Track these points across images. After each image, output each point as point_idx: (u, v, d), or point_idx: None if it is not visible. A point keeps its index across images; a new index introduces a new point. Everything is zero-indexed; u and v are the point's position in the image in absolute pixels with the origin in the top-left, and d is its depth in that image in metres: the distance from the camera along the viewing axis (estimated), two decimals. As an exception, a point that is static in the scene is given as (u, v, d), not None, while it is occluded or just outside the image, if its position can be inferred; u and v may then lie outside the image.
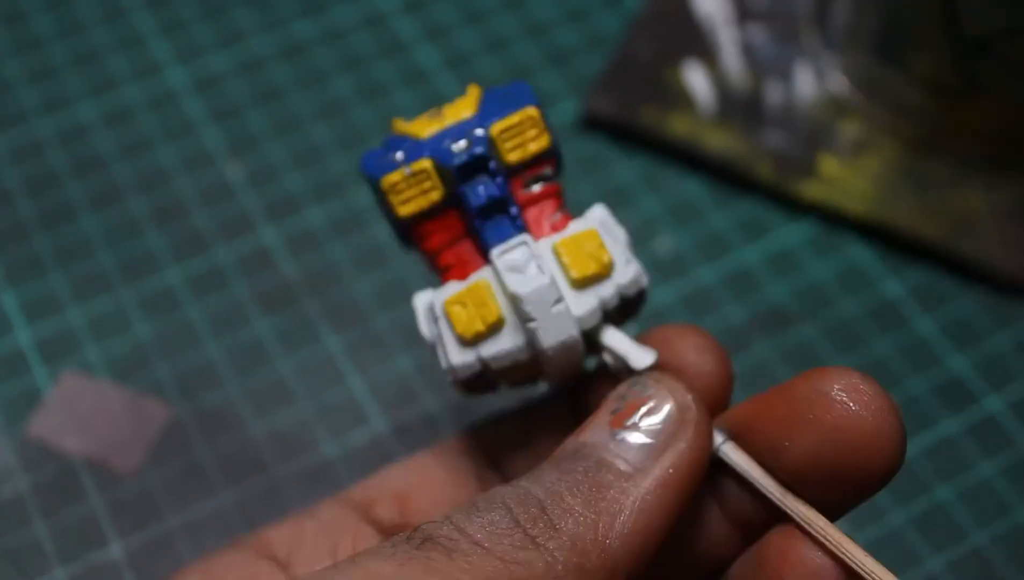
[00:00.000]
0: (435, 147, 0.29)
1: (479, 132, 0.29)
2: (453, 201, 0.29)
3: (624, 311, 0.30)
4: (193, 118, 0.53)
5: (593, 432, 0.26)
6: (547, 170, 0.30)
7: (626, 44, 0.54)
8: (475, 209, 0.29)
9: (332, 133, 0.52)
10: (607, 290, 0.28)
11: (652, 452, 0.25)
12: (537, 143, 0.29)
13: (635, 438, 0.25)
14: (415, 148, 0.29)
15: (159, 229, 0.49)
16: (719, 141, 0.51)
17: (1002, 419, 0.45)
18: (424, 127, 0.30)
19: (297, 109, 0.53)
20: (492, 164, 0.29)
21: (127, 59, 0.54)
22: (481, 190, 0.29)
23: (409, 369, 0.46)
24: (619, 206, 0.50)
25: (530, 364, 0.29)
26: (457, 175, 0.29)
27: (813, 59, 0.53)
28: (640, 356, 0.28)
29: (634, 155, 0.52)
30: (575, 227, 0.29)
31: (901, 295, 0.48)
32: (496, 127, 0.29)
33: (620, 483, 0.24)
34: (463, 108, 0.30)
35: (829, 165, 0.50)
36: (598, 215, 0.30)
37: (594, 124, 0.52)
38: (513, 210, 0.29)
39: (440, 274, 0.30)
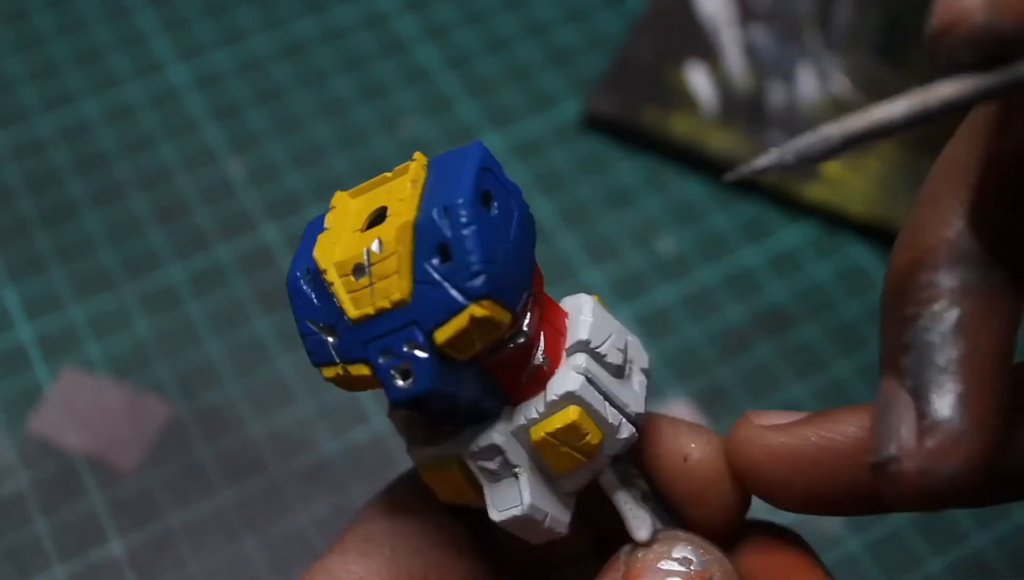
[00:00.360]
0: (371, 356, 0.23)
1: (421, 353, 0.23)
2: None
3: None
4: (194, 116, 0.53)
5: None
6: (517, 328, 0.24)
7: (628, 44, 0.54)
8: (437, 415, 0.25)
9: (333, 132, 0.52)
10: (599, 463, 0.25)
11: None
12: (494, 333, 0.23)
13: None
14: (346, 336, 0.24)
15: (160, 227, 0.49)
16: (721, 141, 0.51)
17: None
18: (349, 242, 0.24)
19: (298, 108, 0.53)
20: (445, 381, 0.23)
21: (129, 57, 0.54)
22: (428, 410, 0.24)
23: (410, 368, 0.46)
24: (621, 206, 0.50)
25: None
26: (402, 404, 0.24)
27: (815, 60, 0.53)
28: (639, 528, 0.26)
29: (636, 155, 0.52)
30: (551, 393, 0.24)
31: (902, 296, 0.48)
32: (440, 337, 0.23)
33: None
34: (388, 241, 0.23)
35: (831, 166, 0.50)
36: (580, 367, 0.25)
37: (596, 124, 0.52)
38: (485, 403, 0.25)
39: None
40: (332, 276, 0.24)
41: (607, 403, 0.25)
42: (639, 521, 0.26)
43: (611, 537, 0.27)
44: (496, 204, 0.23)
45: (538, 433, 0.24)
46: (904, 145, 0.50)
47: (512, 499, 0.25)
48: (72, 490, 0.43)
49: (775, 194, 0.50)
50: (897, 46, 0.51)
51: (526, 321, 0.24)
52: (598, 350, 0.25)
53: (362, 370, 0.24)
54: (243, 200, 0.50)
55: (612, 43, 0.55)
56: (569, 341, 0.25)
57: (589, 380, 0.24)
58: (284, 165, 0.51)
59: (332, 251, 0.24)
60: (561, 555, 0.29)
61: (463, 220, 0.22)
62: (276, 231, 0.49)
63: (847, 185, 0.50)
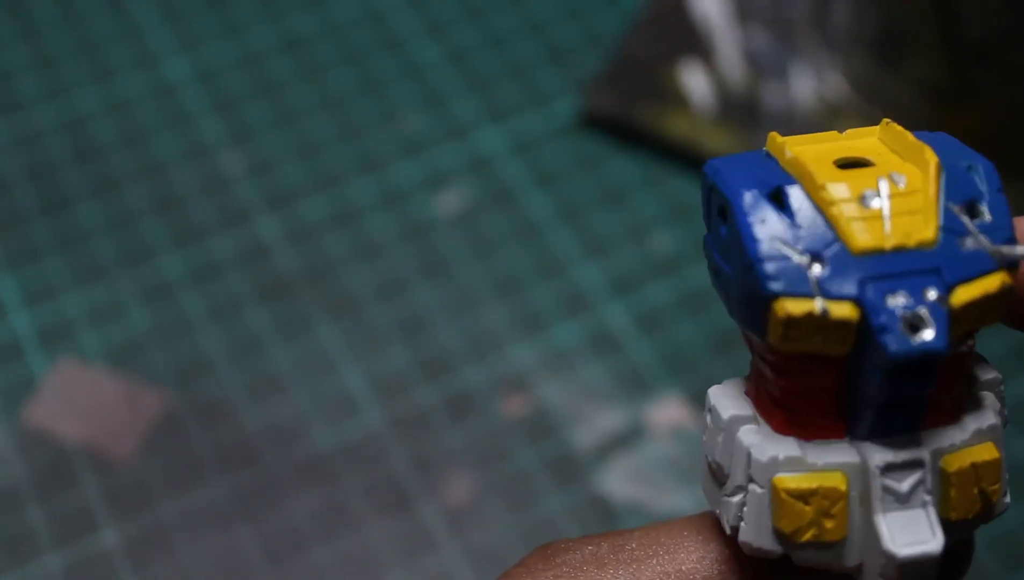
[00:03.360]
0: (873, 297, 0.20)
1: (942, 305, 0.19)
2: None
3: None
4: (193, 109, 0.53)
5: None
6: (971, 340, 0.21)
7: (626, 44, 0.54)
8: (878, 402, 0.20)
9: (331, 126, 0.52)
10: (973, 525, 0.21)
11: None
12: (991, 317, 0.20)
13: None
14: (838, 268, 0.20)
15: (157, 219, 0.49)
16: (717, 141, 0.51)
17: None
18: (828, 173, 0.20)
19: (296, 102, 0.53)
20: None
21: (128, 49, 0.55)
22: (905, 389, 0.20)
23: (404, 362, 0.46)
24: (616, 204, 0.50)
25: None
26: (890, 369, 0.20)
27: (812, 61, 0.53)
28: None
29: (632, 154, 0.52)
30: (973, 424, 0.21)
31: (895, 297, 0.48)
32: (962, 296, 0.20)
33: None
34: (912, 179, 0.20)
35: (825, 167, 0.50)
36: (991, 405, 0.21)
37: (592, 122, 0.52)
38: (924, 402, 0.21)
39: (770, 400, 0.22)
40: (832, 195, 0.20)
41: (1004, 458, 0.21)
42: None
43: None
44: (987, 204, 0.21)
45: (960, 461, 0.21)
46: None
47: (922, 533, 0.20)
48: (67, 480, 0.43)
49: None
50: (894, 49, 0.51)
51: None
52: (1002, 393, 0.22)
53: (846, 311, 0.20)
54: (240, 193, 0.50)
55: (609, 41, 0.55)
56: (982, 375, 0.22)
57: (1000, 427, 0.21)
58: (282, 158, 0.51)
59: (822, 170, 0.20)
60: None
61: (996, 183, 0.20)
62: (273, 224, 0.49)
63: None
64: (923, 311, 0.19)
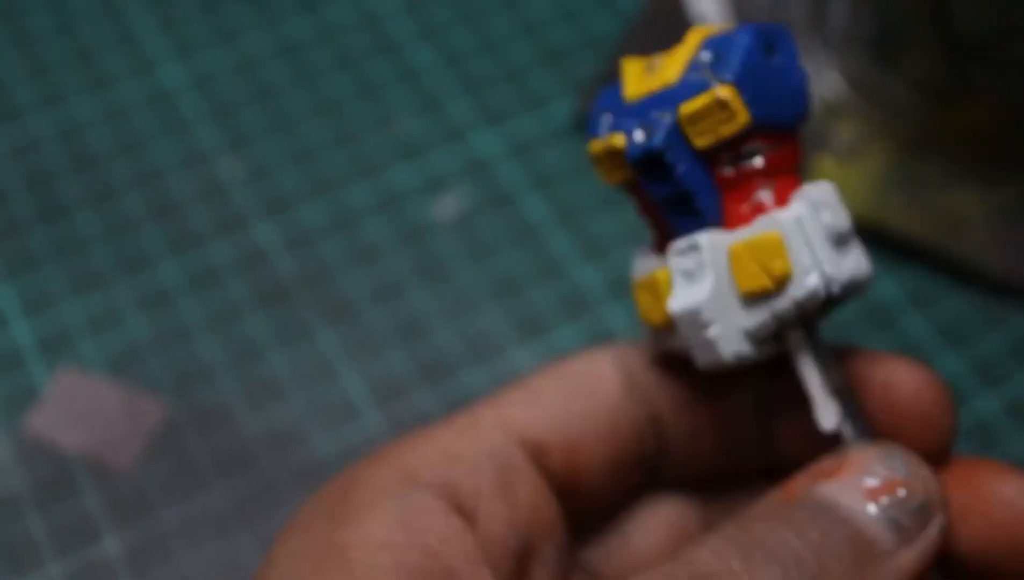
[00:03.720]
0: (627, 124, 0.27)
1: (665, 118, 0.26)
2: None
3: (833, 305, 0.28)
4: (189, 116, 0.53)
5: (846, 494, 0.25)
6: (756, 146, 0.26)
7: (622, 45, 0.54)
8: (656, 202, 0.27)
9: (327, 131, 0.52)
10: (782, 304, 0.26)
11: (905, 537, 0.25)
12: (729, 126, 0.26)
13: (891, 517, 0.25)
14: (618, 114, 0.27)
15: (155, 226, 0.49)
16: (714, 141, 0.51)
17: (993, 420, 0.45)
18: (636, 80, 0.28)
19: (292, 107, 0.53)
20: (676, 154, 0.26)
21: (123, 56, 0.55)
22: (656, 188, 0.27)
23: (403, 366, 0.46)
24: (613, 206, 0.50)
25: None
26: (635, 168, 0.27)
27: (809, 60, 0.53)
28: (825, 415, 0.27)
29: (629, 155, 0.52)
30: (763, 222, 0.26)
31: (893, 295, 0.48)
32: (685, 109, 0.26)
33: (882, 563, 0.24)
34: (676, 61, 0.27)
35: (824, 166, 0.50)
36: (798, 211, 0.26)
37: (589, 124, 0.53)
38: (702, 202, 0.27)
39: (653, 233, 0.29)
40: (627, 71, 0.28)
41: (808, 249, 0.26)
42: (826, 409, 0.27)
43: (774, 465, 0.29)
44: (778, 56, 0.27)
45: (739, 244, 0.26)
46: (898, 146, 0.51)
47: (693, 294, 0.26)
48: (67, 489, 0.43)
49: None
50: (892, 48, 0.51)
51: (767, 147, 0.27)
52: (821, 208, 0.26)
53: (618, 139, 0.27)
54: (237, 199, 0.50)
55: (606, 43, 0.55)
56: (796, 194, 0.27)
57: (799, 223, 0.26)
58: (279, 164, 0.51)
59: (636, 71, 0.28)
60: (725, 471, 0.30)
61: (743, 35, 0.26)
62: (270, 230, 0.49)
63: (841, 185, 0.50)
64: (650, 125, 0.26)
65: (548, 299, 0.48)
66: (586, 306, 0.48)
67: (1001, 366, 0.47)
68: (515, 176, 0.51)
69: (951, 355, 0.47)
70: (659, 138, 0.26)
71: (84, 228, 0.49)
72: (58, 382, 0.45)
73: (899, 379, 0.28)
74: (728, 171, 0.27)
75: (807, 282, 0.26)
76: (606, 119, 0.27)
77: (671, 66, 0.27)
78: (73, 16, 0.56)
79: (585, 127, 0.29)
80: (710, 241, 0.26)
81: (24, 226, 0.49)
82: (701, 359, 0.27)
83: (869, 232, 0.50)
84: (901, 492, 0.25)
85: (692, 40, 0.27)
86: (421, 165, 0.51)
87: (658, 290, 0.27)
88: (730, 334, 0.26)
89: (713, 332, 0.26)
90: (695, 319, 0.26)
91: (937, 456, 0.28)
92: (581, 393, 0.28)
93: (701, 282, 0.26)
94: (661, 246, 0.28)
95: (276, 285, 0.48)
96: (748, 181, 0.27)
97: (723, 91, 0.26)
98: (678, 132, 0.26)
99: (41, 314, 0.47)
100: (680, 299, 0.26)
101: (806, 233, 0.26)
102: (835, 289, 0.26)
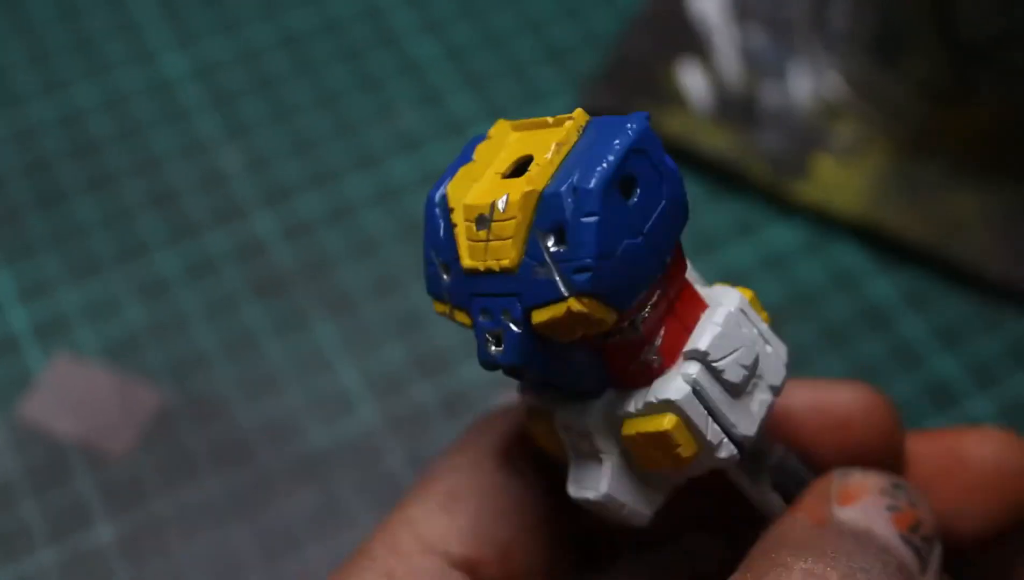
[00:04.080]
0: (473, 312, 0.23)
1: (514, 327, 0.22)
2: None
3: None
4: (189, 105, 0.53)
5: (877, 522, 0.25)
6: (634, 318, 0.23)
7: (624, 42, 0.54)
8: (532, 384, 0.24)
9: (327, 123, 0.52)
10: (695, 471, 0.24)
11: (927, 563, 0.25)
12: (595, 327, 0.22)
13: (915, 545, 0.25)
14: (457, 281, 0.23)
15: (154, 214, 0.49)
16: (714, 140, 0.51)
17: (988, 422, 0.45)
18: (485, 187, 0.23)
19: (293, 98, 0.53)
20: (537, 360, 0.22)
21: (125, 44, 0.54)
22: (526, 376, 0.23)
23: (400, 359, 0.46)
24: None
25: None
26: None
27: (810, 60, 0.53)
28: (769, 509, 0.25)
29: (629, 152, 0.52)
30: (652, 395, 0.23)
31: (891, 297, 0.48)
32: (536, 318, 0.22)
33: None
34: (513, 203, 0.22)
35: (823, 166, 0.50)
36: (690, 378, 0.23)
37: (590, 120, 0.52)
38: (585, 385, 0.24)
39: None
40: (458, 218, 0.23)
41: (710, 420, 0.23)
42: (769, 505, 0.25)
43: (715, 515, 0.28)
44: (639, 191, 0.21)
45: (629, 429, 0.23)
46: (897, 147, 0.51)
47: (591, 482, 0.24)
48: (61, 475, 0.43)
49: (767, 193, 0.51)
50: (892, 48, 0.51)
51: (644, 313, 0.23)
52: (715, 364, 0.23)
53: (465, 320, 0.23)
54: (237, 189, 0.50)
55: (606, 39, 0.55)
56: (688, 345, 0.23)
57: (696, 393, 0.23)
58: (278, 155, 0.51)
59: (466, 191, 0.23)
60: (656, 533, 0.28)
61: (587, 207, 0.21)
62: (269, 220, 0.49)
63: (839, 185, 0.50)
64: (500, 330, 0.22)
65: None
66: (583, 302, 0.48)
67: (997, 369, 0.47)
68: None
69: (947, 357, 0.47)
70: (510, 356, 0.22)
71: (82, 215, 0.49)
72: (53, 368, 0.45)
73: (846, 402, 0.28)
74: (602, 341, 0.23)
75: (719, 455, 0.23)
76: (445, 280, 0.23)
77: (506, 229, 0.22)
78: (74, 3, 0.56)
79: (425, 251, 0.24)
80: (599, 419, 0.24)
81: (22, 212, 0.49)
82: (611, 524, 0.25)
83: (867, 233, 0.50)
84: (918, 520, 0.25)
85: (526, 184, 0.22)
86: (421, 158, 0.51)
87: (554, 442, 0.25)
88: (640, 503, 0.24)
89: (625, 513, 0.24)
90: (602, 509, 0.24)
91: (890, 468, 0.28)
92: (494, 490, 0.26)
93: (598, 467, 0.24)
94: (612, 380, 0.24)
95: (274, 276, 0.48)
96: (627, 349, 0.23)
97: (577, 305, 0.21)
98: (532, 336, 0.22)
99: (37, 300, 0.47)
100: (581, 490, 0.24)
101: (705, 398, 0.23)
102: (751, 439, 0.24)
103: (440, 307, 0.24)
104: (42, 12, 0.55)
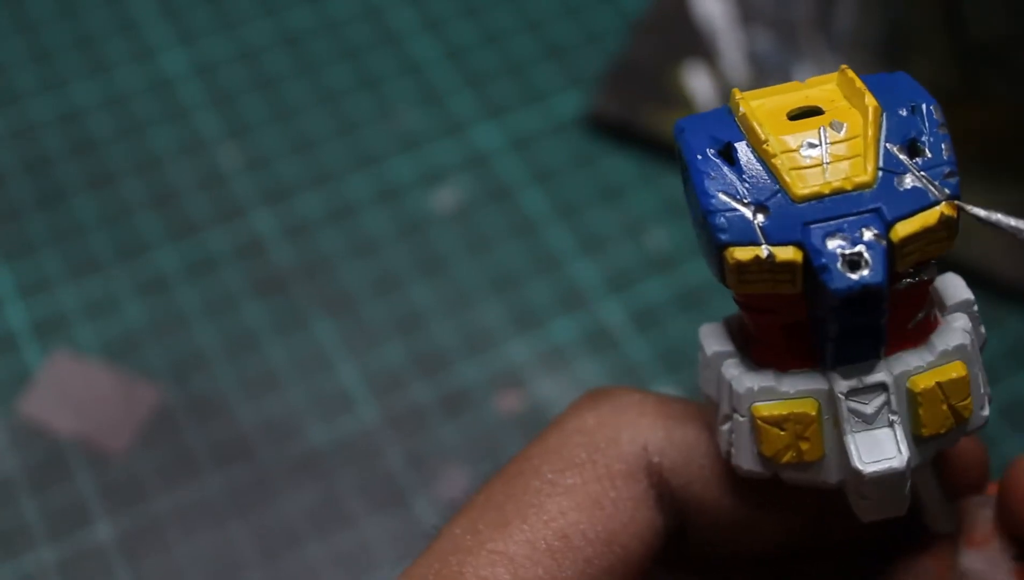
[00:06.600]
0: (814, 240, 0.21)
1: (879, 242, 0.21)
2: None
3: None
4: (189, 103, 0.53)
5: (1000, 574, 0.25)
6: (929, 265, 0.22)
7: (629, 45, 0.54)
8: (835, 334, 0.22)
9: (327, 122, 0.52)
10: (949, 441, 0.23)
11: None
12: (938, 247, 0.21)
13: None
14: (781, 215, 0.21)
15: (153, 213, 0.49)
16: (715, 139, 0.51)
17: (988, 422, 0.45)
18: (778, 125, 0.22)
19: (293, 97, 0.53)
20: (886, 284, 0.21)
21: (125, 43, 0.54)
22: (856, 321, 0.21)
23: (400, 358, 0.46)
24: (613, 201, 0.50)
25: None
26: (836, 304, 0.21)
27: (815, 62, 0.53)
28: (942, 523, 0.25)
29: (629, 151, 0.52)
30: (940, 345, 0.22)
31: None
32: (900, 231, 0.21)
33: None
34: (855, 143, 0.22)
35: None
36: (964, 326, 0.23)
37: (593, 122, 0.52)
38: (884, 332, 0.22)
39: (751, 339, 0.24)
40: (775, 148, 0.22)
41: (980, 376, 0.23)
42: (943, 517, 0.25)
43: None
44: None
45: (926, 381, 0.22)
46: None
47: (886, 450, 0.22)
48: (61, 473, 0.43)
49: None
50: (899, 50, 0.51)
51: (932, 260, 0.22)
52: (975, 314, 0.23)
53: (790, 255, 0.21)
54: (236, 187, 0.50)
55: (607, 38, 0.55)
56: (951, 298, 0.23)
57: (972, 346, 0.23)
58: (278, 154, 0.51)
59: (772, 126, 0.22)
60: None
61: (937, 121, 0.22)
62: (269, 220, 0.49)
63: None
64: (861, 249, 0.21)
65: (545, 293, 0.48)
66: (583, 301, 0.47)
67: (997, 369, 0.46)
68: (514, 170, 0.51)
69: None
70: (879, 274, 0.20)
71: (82, 213, 0.49)
72: (52, 366, 0.45)
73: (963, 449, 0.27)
74: (900, 287, 0.22)
75: (983, 413, 0.23)
76: (754, 217, 0.21)
77: (852, 148, 0.21)
78: (74, 2, 0.56)
79: (699, 191, 0.22)
80: (893, 380, 0.22)
81: (21, 210, 0.49)
82: (867, 514, 0.23)
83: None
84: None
85: (869, 102, 0.22)
86: (421, 157, 0.51)
87: (806, 425, 0.22)
88: (904, 498, 0.23)
89: (906, 489, 0.22)
90: (895, 484, 0.22)
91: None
92: (588, 506, 0.23)
93: (890, 432, 0.22)
94: (772, 359, 0.23)
95: (274, 275, 0.48)
96: (915, 297, 0.22)
97: (950, 209, 0.21)
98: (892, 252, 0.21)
99: (36, 298, 0.47)
100: (876, 461, 0.22)
101: (976, 354, 0.23)
102: (988, 417, 0.23)
103: (747, 253, 0.21)
104: (42, 11, 0.55)
